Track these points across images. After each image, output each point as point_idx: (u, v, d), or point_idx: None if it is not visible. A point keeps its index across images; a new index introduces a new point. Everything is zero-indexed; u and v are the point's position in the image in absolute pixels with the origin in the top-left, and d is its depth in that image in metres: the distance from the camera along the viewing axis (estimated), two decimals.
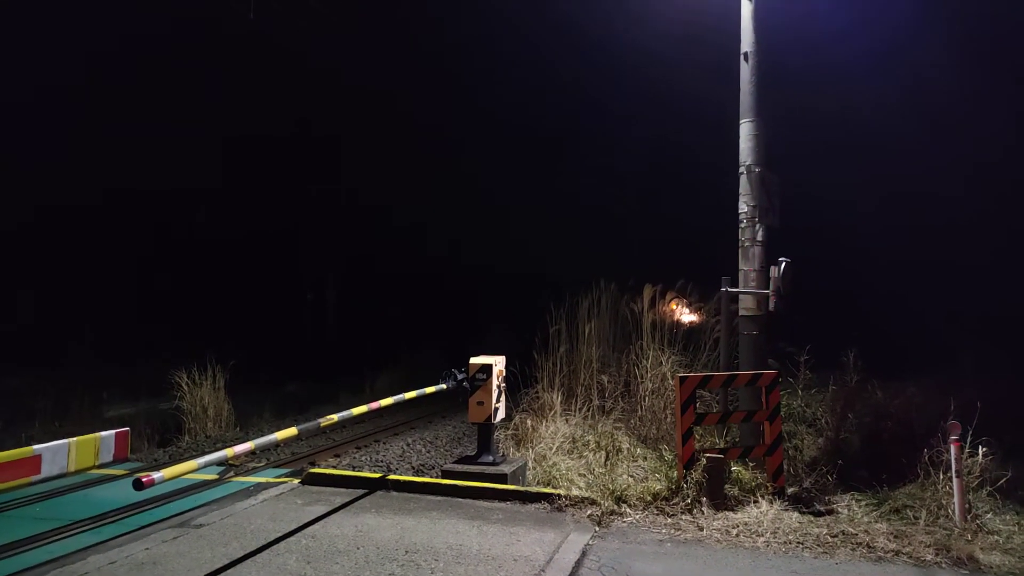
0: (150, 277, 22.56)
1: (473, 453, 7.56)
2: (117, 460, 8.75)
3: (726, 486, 6.38)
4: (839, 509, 6.29)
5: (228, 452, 5.31)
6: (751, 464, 6.98)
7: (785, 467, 6.82)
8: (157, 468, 6.40)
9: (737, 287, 7.71)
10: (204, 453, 7.95)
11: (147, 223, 23.33)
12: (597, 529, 5.82)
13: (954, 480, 5.76)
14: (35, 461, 7.70)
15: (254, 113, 23.41)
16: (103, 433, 8.74)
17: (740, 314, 7.70)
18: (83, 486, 7.61)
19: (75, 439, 8.29)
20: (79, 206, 21.10)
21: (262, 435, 6.47)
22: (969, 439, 6.09)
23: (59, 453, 8.00)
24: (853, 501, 6.48)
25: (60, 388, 12.65)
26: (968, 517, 5.68)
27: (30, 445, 8.02)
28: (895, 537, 5.44)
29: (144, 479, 4.24)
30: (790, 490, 6.69)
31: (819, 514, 6.10)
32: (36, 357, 16.52)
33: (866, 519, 5.94)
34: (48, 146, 21.13)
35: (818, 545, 5.36)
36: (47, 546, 5.61)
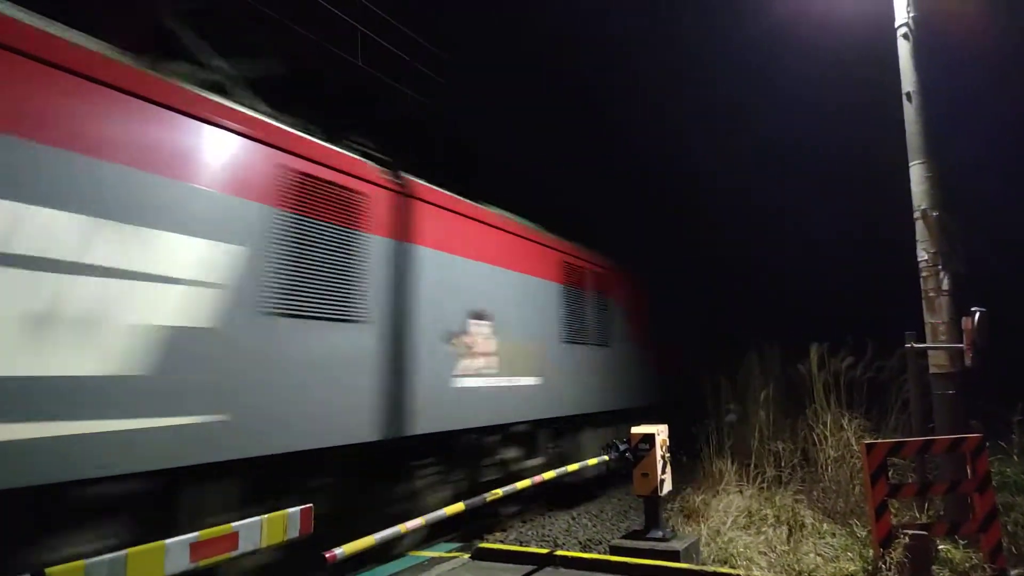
0: None
1: (640, 528, 7.29)
2: (302, 534, 9.26)
3: (934, 567, 5.67)
4: None
5: (401, 528, 5.48)
6: (962, 542, 6.18)
7: (1005, 544, 5.96)
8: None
9: (923, 342, 7.04)
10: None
11: None
12: None
13: None
14: (233, 538, 8.32)
15: None
16: (290, 510, 9.32)
17: (931, 371, 6.99)
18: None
19: (266, 516, 8.87)
20: None
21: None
22: None
23: (252, 529, 8.61)
24: None
25: None
26: None
27: (229, 523, 8.69)
28: None
29: (327, 555, 4.49)
30: (1014, 572, 5.83)
31: None
32: None
33: None
34: None
35: None
36: None
